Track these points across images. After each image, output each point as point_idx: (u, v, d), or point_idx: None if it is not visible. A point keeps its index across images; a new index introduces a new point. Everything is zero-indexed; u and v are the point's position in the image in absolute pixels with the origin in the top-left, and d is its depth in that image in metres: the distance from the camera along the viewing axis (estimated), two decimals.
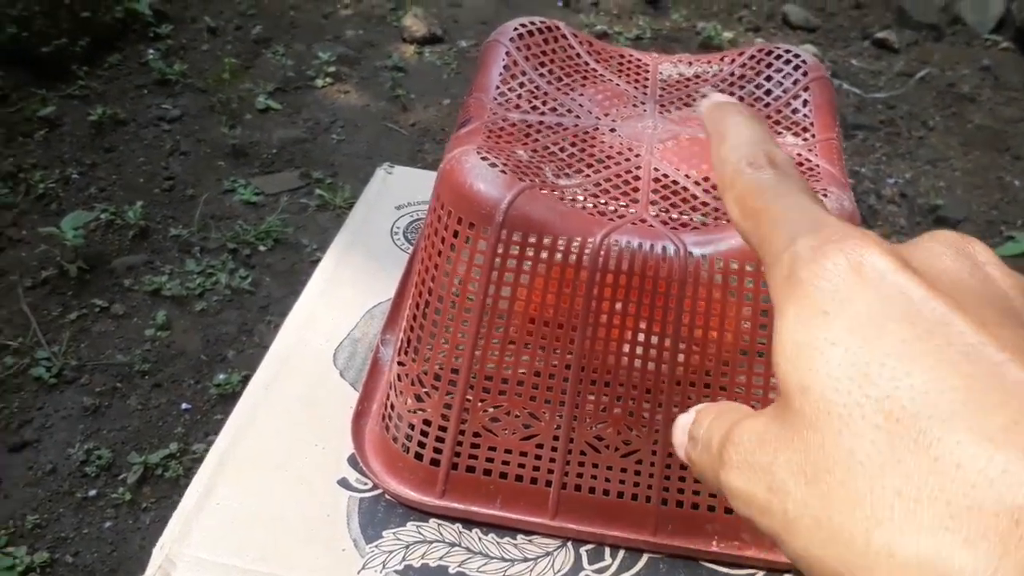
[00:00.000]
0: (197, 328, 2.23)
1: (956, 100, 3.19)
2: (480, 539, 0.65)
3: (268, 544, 0.65)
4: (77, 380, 2.09)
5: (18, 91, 2.93)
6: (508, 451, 0.64)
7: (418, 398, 0.66)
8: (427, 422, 0.65)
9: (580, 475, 0.64)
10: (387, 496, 0.68)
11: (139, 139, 2.83)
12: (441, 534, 0.65)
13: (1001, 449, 0.26)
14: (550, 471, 0.64)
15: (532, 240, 0.58)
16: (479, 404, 0.63)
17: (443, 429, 0.65)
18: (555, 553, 0.64)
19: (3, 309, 2.25)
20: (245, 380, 2.00)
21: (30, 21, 2.93)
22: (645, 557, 0.64)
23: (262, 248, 2.45)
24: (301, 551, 0.65)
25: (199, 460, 1.81)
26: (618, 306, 0.59)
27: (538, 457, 0.64)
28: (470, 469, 0.65)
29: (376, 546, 0.65)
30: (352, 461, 0.71)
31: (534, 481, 0.64)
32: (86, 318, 2.24)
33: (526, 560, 0.64)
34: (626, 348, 0.60)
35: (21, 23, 2.92)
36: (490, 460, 0.65)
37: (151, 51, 3.14)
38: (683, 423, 0.46)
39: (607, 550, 0.64)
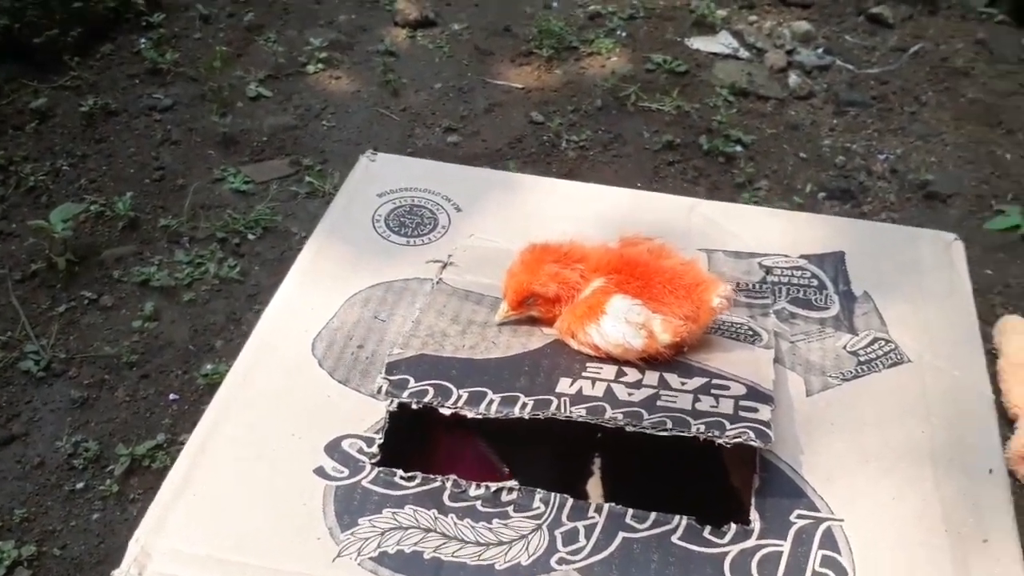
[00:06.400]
0: (185, 318, 2.23)
1: (949, 75, 3.17)
2: (455, 524, 0.65)
3: (244, 534, 0.65)
4: (65, 373, 2.10)
5: (10, 83, 2.92)
6: None
7: None
8: None
9: None
10: (363, 484, 0.68)
11: (130, 129, 2.82)
12: (416, 520, 0.65)
13: None
14: None
15: None
16: None
17: None
18: (530, 536, 0.64)
19: None
20: None
21: (22, 12, 2.91)
22: (619, 538, 0.64)
23: (251, 237, 2.45)
24: (276, 540, 0.65)
25: None
26: None
27: None
28: None
29: (351, 534, 0.65)
30: (329, 449, 0.71)
31: None
32: (75, 310, 2.24)
33: (500, 544, 0.64)
34: None
35: (13, 14, 2.90)
36: None
37: (143, 40, 3.13)
38: None
39: (581, 532, 0.64)
